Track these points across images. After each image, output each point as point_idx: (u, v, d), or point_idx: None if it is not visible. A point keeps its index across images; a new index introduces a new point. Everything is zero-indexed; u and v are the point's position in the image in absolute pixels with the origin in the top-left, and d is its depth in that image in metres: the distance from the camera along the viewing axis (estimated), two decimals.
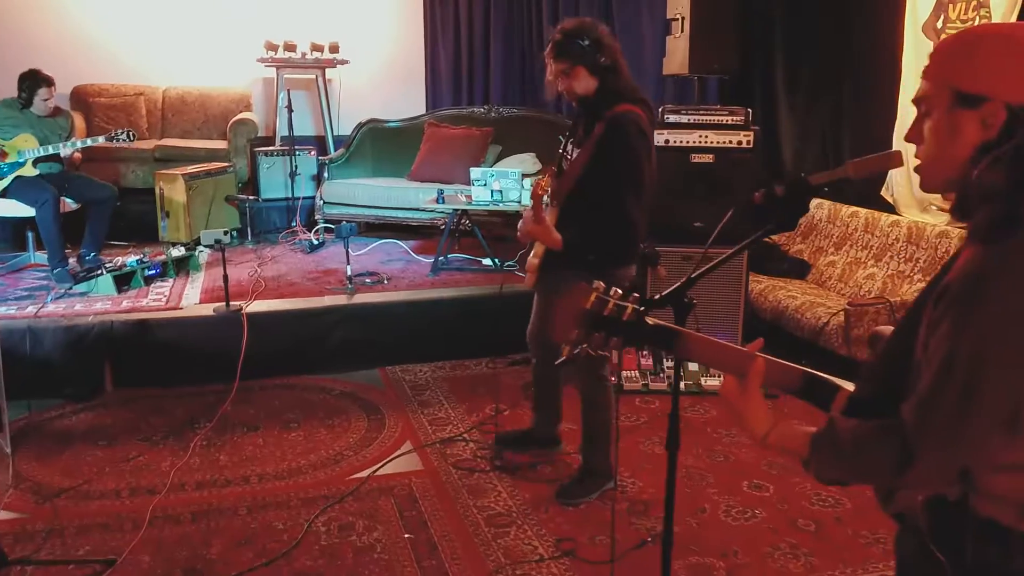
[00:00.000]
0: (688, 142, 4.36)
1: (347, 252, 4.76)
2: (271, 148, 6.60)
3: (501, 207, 5.13)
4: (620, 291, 1.40)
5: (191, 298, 4.61)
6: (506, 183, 5.09)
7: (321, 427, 3.81)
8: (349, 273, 4.75)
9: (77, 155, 5.01)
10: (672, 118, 4.39)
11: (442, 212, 5.67)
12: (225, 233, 4.33)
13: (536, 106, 7.38)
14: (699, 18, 5.15)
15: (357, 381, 4.39)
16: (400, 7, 7.70)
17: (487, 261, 5.39)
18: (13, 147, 4.88)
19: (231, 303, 4.37)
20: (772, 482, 3.27)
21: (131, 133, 5.05)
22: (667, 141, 4.36)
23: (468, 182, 5.97)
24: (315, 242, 5.90)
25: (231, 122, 6.76)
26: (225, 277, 4.34)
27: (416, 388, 4.30)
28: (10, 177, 4.86)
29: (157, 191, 5.73)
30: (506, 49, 7.72)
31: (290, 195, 6.47)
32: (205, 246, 4.47)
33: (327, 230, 6.14)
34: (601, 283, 1.40)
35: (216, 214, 5.93)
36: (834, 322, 4.12)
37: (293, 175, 6.43)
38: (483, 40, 7.74)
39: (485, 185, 5.11)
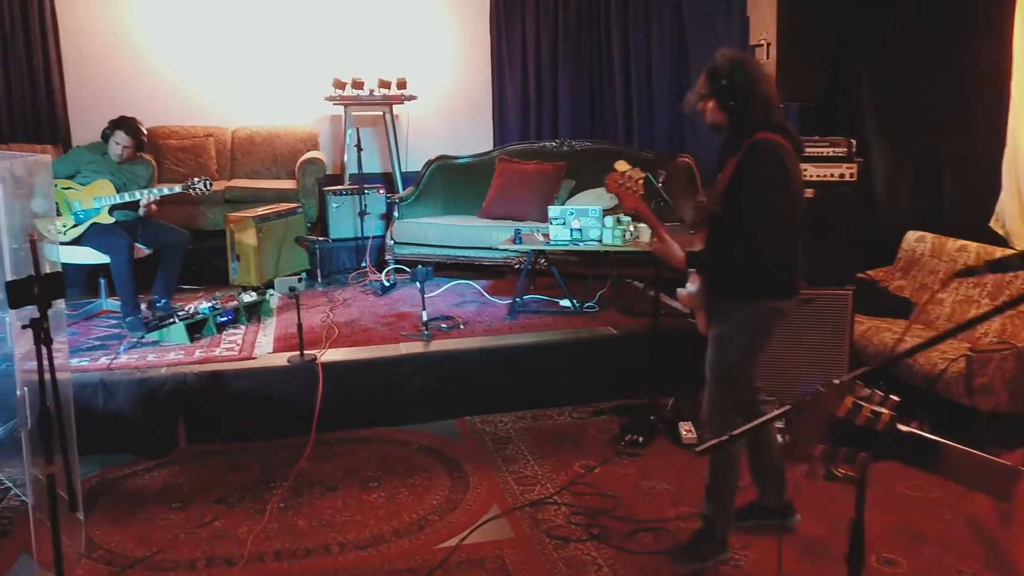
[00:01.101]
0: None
1: (422, 297, 4.57)
2: (340, 187, 6.50)
3: (581, 247, 4.90)
4: (879, 392, 1.14)
5: (264, 347, 4.47)
6: (586, 221, 4.86)
7: (402, 487, 3.60)
8: (425, 319, 4.56)
9: (154, 206, 4.93)
10: None
11: (516, 252, 5.46)
12: (299, 280, 4.19)
13: (609, 139, 7.18)
14: (786, 43, 4.90)
15: (435, 433, 4.18)
16: (466, 41, 7.59)
17: (565, 302, 5.16)
18: (90, 193, 4.83)
19: (305, 352, 4.21)
20: (903, 555, 2.94)
21: (207, 182, 4.97)
22: None
23: (541, 219, 5.77)
24: (386, 283, 5.75)
25: (300, 161, 6.69)
26: (299, 326, 4.18)
27: (498, 441, 4.07)
28: (86, 224, 4.81)
29: (228, 234, 5.64)
30: (575, 82, 7.54)
31: (359, 235, 6.35)
32: (280, 293, 4.33)
33: (398, 271, 5.98)
34: (859, 384, 1.14)
35: (286, 255, 5.83)
36: (953, 369, 3.78)
37: (362, 214, 6.30)
38: (551, 73, 7.58)
39: (564, 224, 4.89)
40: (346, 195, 6.41)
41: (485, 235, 5.80)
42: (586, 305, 5.09)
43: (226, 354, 4.34)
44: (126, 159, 4.96)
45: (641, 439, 3.95)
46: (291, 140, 7.08)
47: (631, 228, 4.85)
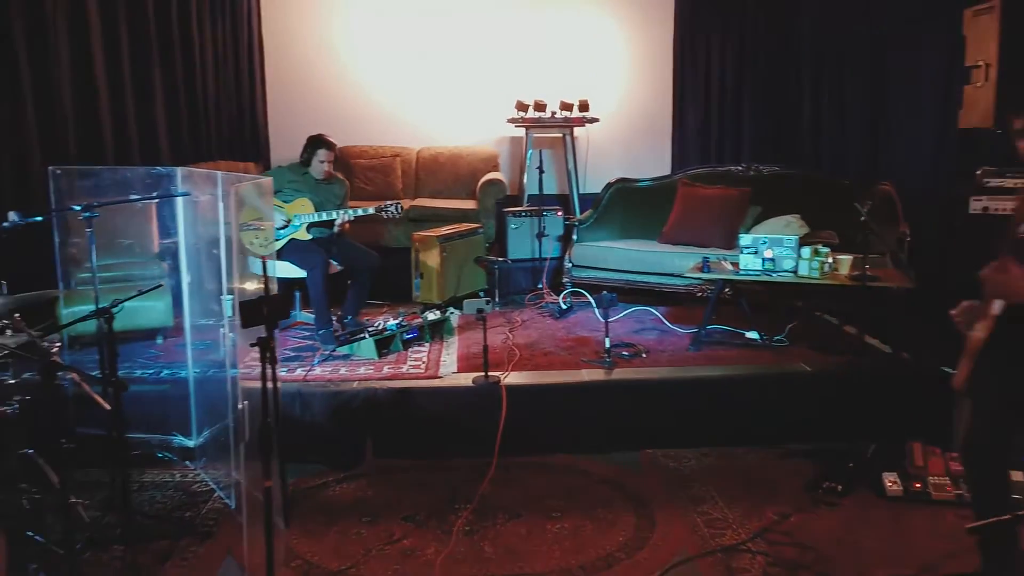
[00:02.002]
0: (1011, 210, 3.72)
1: (606, 323, 4.50)
2: (520, 209, 6.55)
3: (774, 277, 4.67)
4: None
5: (448, 366, 4.53)
6: (780, 251, 4.63)
7: (586, 519, 3.52)
8: (608, 345, 4.48)
9: (347, 225, 5.15)
10: (993, 182, 3.79)
11: (699, 280, 5.30)
12: (487, 302, 4.22)
13: (797, 163, 6.88)
14: (1009, 64, 4.53)
15: (616, 464, 4.07)
16: (648, 64, 7.54)
17: (751, 334, 4.94)
18: (291, 211, 5.08)
19: (490, 374, 4.23)
20: None
21: (398, 206, 5.13)
22: (985, 209, 3.77)
23: (725, 245, 5.60)
24: (563, 306, 5.71)
25: (481, 182, 6.80)
26: (484, 348, 4.21)
27: (682, 478, 3.92)
28: (285, 239, 5.06)
29: (413, 252, 5.79)
30: (760, 104, 7.30)
31: (536, 256, 6.36)
32: (467, 313, 4.37)
33: (574, 294, 5.93)
34: None
35: (466, 275, 5.91)
36: None
37: (540, 236, 6.32)
38: (735, 95, 7.39)
39: (756, 252, 4.68)
40: (525, 216, 6.45)
41: (666, 261, 5.67)
42: (775, 339, 4.85)
43: (412, 371, 4.43)
44: (328, 173, 5.21)
45: (840, 487, 3.69)
46: (473, 161, 7.22)
47: (829, 260, 4.58)
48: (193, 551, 3.29)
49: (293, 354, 4.81)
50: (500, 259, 6.19)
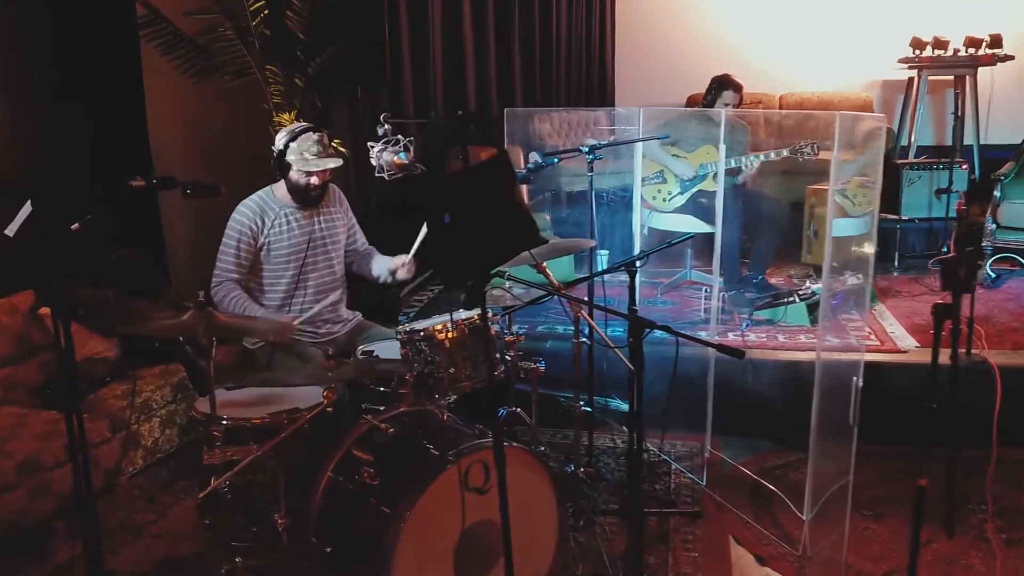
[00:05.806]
0: None
1: None
2: (918, 161, 5.75)
3: None
4: None
5: (901, 339, 3.95)
6: None
7: None
8: None
9: (753, 173, 4.68)
10: None
11: None
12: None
13: None
14: None
15: None
16: None
17: None
18: (695, 160, 4.68)
19: (973, 352, 3.62)
20: None
21: (815, 146, 4.58)
22: None
23: None
24: (991, 275, 4.92)
25: (865, 131, 6.06)
26: (971, 321, 3.59)
27: None
28: (692, 191, 4.67)
29: (806, 208, 5.23)
30: None
31: (934, 215, 5.56)
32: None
33: (1004, 260, 5.09)
34: None
35: None
36: None
37: (942, 192, 5.51)
38: None
39: None
40: (923, 170, 5.65)
41: None
42: None
43: (868, 344, 3.89)
44: (734, 115, 4.77)
45: None
46: (844, 108, 6.50)
47: None
48: (688, 532, 2.99)
49: (705, 316, 4.43)
50: (899, 217, 5.47)
